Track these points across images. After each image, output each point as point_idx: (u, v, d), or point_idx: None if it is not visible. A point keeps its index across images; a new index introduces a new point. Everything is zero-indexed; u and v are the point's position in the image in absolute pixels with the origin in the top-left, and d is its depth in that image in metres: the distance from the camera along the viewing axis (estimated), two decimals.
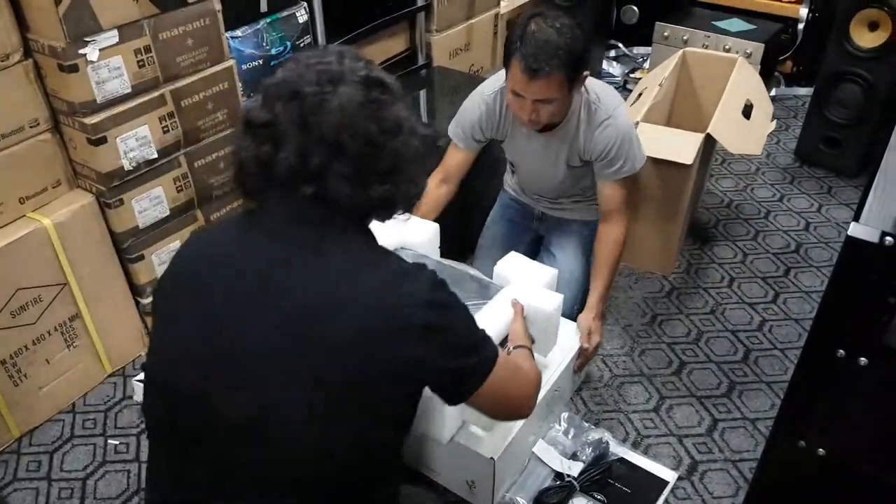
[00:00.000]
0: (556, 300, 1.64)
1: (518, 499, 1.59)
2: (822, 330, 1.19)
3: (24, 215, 1.66)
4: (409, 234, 1.84)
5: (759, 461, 1.41)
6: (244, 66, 1.96)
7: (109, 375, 1.95)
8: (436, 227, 1.88)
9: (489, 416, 1.21)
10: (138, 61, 1.65)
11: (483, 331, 1.08)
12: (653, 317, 2.15)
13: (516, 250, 2.10)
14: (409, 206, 1.07)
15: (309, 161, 0.93)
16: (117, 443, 1.79)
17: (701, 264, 2.36)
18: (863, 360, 1.13)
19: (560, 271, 1.97)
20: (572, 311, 1.99)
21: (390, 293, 0.97)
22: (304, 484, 0.98)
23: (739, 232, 2.53)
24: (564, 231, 2.06)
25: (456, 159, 1.93)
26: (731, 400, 1.87)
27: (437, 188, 1.92)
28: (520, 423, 1.56)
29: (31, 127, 1.61)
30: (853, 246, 1.06)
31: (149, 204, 1.79)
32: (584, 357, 1.81)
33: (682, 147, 2.08)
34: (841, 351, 1.14)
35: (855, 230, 1.06)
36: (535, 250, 2.19)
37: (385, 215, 1.06)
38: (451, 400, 1.09)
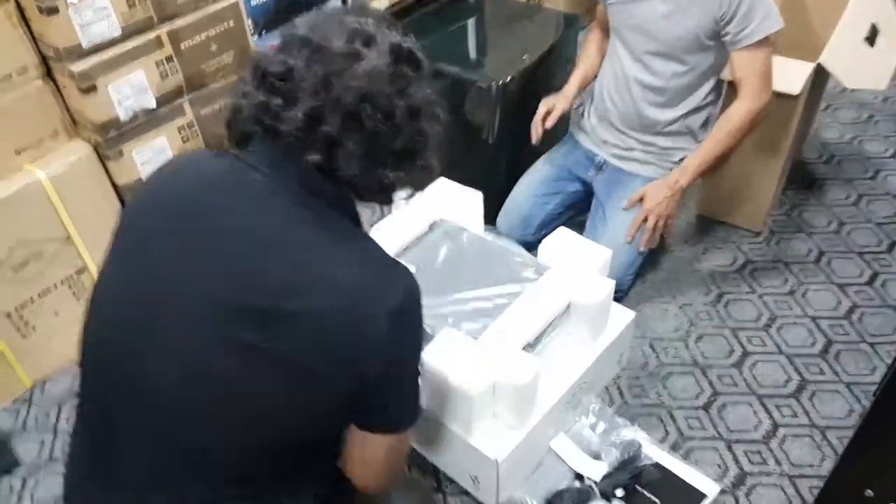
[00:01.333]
0: (606, 287, 1.46)
1: (527, 498, 1.44)
2: None
3: (21, 168, 1.61)
4: (449, 204, 1.69)
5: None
6: (253, 2, 1.80)
7: None
8: (479, 196, 1.72)
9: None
10: (128, 0, 1.53)
11: (420, 362, 0.99)
12: (718, 296, 1.88)
13: (555, 197, 1.94)
14: (413, 192, 0.96)
15: (320, 127, 0.83)
16: None
17: (784, 233, 2.05)
18: None
19: (609, 238, 1.77)
20: (621, 286, 1.79)
21: (362, 287, 0.87)
22: (238, 465, 0.90)
23: (837, 195, 2.18)
24: (625, 188, 1.83)
25: (601, 12, 1.92)
26: (799, 402, 1.61)
27: (599, 36, 1.95)
28: (534, 422, 1.40)
29: (19, 74, 1.53)
30: None
31: (152, 155, 1.70)
32: (647, 232, 1.73)
33: (787, 76, 1.78)
34: None
35: None
36: (578, 204, 1.99)
37: (384, 200, 0.94)
38: (354, 420, 0.96)
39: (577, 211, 2.03)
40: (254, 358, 0.84)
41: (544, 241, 1.59)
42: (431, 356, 1.32)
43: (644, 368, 1.71)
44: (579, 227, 2.03)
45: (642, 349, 1.75)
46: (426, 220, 1.67)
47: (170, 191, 0.92)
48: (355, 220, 0.96)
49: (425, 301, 1.43)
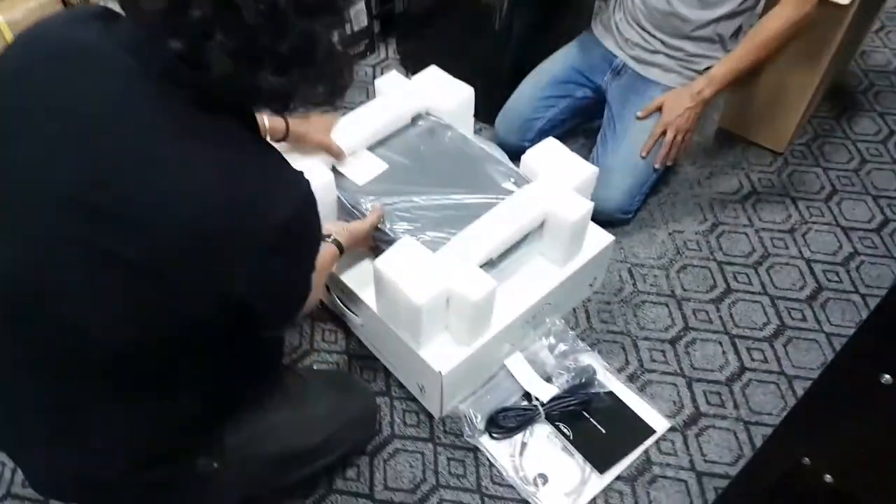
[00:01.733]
0: (582, 208, 1.38)
1: (471, 412, 1.42)
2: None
3: None
4: (437, 97, 1.58)
5: (744, 467, 1.14)
6: None
7: None
8: (470, 91, 1.60)
9: None
10: None
11: (311, 271, 0.93)
12: (713, 225, 1.78)
13: (561, 101, 1.82)
14: (319, 106, 0.84)
15: (188, 11, 0.70)
16: None
17: (800, 165, 1.92)
18: None
19: (622, 153, 1.66)
20: (630, 206, 1.70)
21: (236, 198, 0.79)
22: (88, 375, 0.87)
23: (866, 130, 2.01)
24: (642, 97, 1.71)
25: None
26: (772, 347, 1.55)
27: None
28: (486, 339, 1.35)
29: None
30: None
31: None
32: (665, 147, 1.65)
33: None
34: None
35: None
36: (586, 111, 1.86)
37: (277, 108, 0.84)
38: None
39: (583, 118, 1.91)
40: (105, 263, 0.78)
41: (529, 150, 1.49)
42: (386, 263, 1.27)
43: (618, 294, 1.64)
44: (586, 136, 1.92)
45: (620, 274, 1.68)
46: (410, 112, 1.57)
47: (24, 60, 0.82)
48: (248, 125, 0.86)
49: (393, 199, 1.35)
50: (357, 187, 1.44)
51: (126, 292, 0.80)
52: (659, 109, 1.67)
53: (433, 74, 1.65)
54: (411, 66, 2.24)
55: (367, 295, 1.40)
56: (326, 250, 1.25)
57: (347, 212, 1.43)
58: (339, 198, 1.44)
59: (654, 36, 1.69)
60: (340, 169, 1.46)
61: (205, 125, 0.80)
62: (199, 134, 0.80)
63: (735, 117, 1.97)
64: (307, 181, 0.88)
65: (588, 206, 1.39)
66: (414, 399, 1.48)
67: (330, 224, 1.32)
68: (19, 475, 1.37)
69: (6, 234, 0.82)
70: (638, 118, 1.68)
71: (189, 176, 0.78)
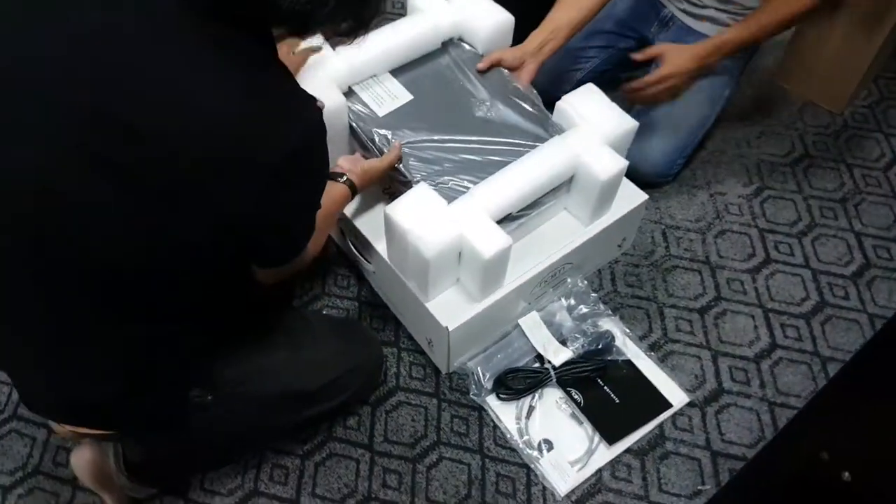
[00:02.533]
0: (616, 166, 1.29)
1: (479, 370, 1.37)
2: None
3: None
4: (473, 23, 1.46)
5: (759, 453, 1.07)
6: None
7: None
8: (510, 19, 1.48)
9: None
10: None
11: (315, 207, 0.93)
12: (759, 189, 1.67)
13: (603, 52, 1.71)
14: (342, 31, 0.82)
15: None
16: None
17: (860, 129, 1.77)
18: None
19: (662, 109, 1.57)
20: (669, 170, 1.61)
21: (246, 121, 0.77)
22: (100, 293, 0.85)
23: None
24: None
25: None
26: (809, 325, 1.45)
27: None
28: (497, 297, 1.29)
29: None
30: None
31: None
32: (646, 97, 1.47)
33: None
34: None
35: None
36: (630, 63, 1.73)
37: (297, 29, 0.81)
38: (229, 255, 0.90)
39: (626, 70, 1.79)
40: (111, 173, 0.75)
41: (566, 96, 1.38)
42: (397, 210, 1.21)
43: (648, 257, 1.56)
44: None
45: (653, 235, 1.59)
46: (439, 37, 1.46)
47: None
48: (267, 46, 0.83)
49: (414, 137, 1.25)
50: (376, 118, 1.35)
51: (128, 205, 0.78)
52: (654, 60, 1.51)
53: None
54: None
55: (380, 242, 1.35)
56: (337, 190, 1.20)
57: (361, 144, 1.36)
58: (353, 127, 1.36)
59: None
60: (360, 94, 1.39)
61: (223, 40, 0.77)
62: (218, 48, 0.77)
63: (792, 72, 1.83)
64: (320, 110, 0.85)
65: (622, 165, 1.30)
66: (422, 352, 1.44)
67: (343, 160, 1.26)
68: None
69: (16, 135, 0.78)
70: (635, 59, 1.51)
71: (204, 90, 0.76)
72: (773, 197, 1.65)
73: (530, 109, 1.38)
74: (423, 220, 1.20)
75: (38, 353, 0.93)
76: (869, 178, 1.67)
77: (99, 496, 1.23)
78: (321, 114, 0.86)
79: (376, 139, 1.32)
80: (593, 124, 1.33)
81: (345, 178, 1.22)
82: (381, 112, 1.36)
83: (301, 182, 0.86)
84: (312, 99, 0.85)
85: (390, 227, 1.23)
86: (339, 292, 1.53)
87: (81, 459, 1.17)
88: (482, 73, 1.43)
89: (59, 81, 0.75)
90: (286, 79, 0.85)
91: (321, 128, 0.85)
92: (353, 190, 1.23)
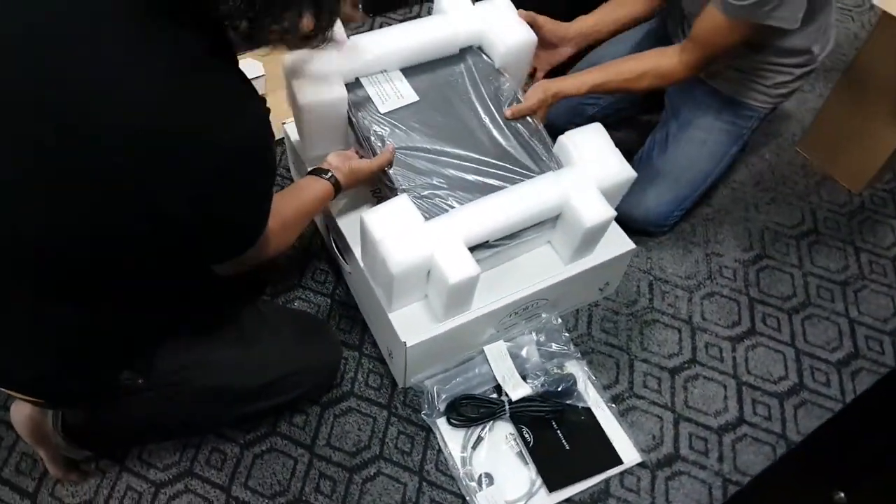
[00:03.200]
0: (602, 215, 1.26)
1: (435, 391, 1.35)
2: None
3: None
4: (494, 31, 1.41)
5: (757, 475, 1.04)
6: None
7: None
8: (532, 38, 1.43)
9: None
10: None
11: (259, 210, 0.92)
12: (757, 256, 1.62)
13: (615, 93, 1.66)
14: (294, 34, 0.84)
15: None
16: None
17: (875, 214, 1.72)
18: None
19: (667, 159, 1.56)
20: (665, 221, 1.59)
21: (195, 110, 0.76)
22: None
23: None
24: (699, 105, 1.56)
25: None
26: (782, 406, 1.41)
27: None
28: (462, 320, 1.27)
29: None
30: None
31: None
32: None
33: None
34: None
35: None
36: (644, 105, 1.72)
37: (244, 32, 0.81)
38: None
39: (641, 111, 1.76)
40: (42, 161, 0.75)
41: (570, 132, 1.35)
42: (373, 218, 1.19)
43: (630, 306, 1.52)
44: (644, 130, 1.77)
45: (639, 284, 1.56)
46: (458, 43, 1.43)
47: None
48: (219, 45, 0.82)
49: (408, 142, 1.24)
50: (377, 114, 1.33)
51: (58, 193, 0.77)
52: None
53: (502, 5, 1.47)
54: None
55: (357, 244, 1.33)
56: (319, 186, 1.19)
57: (357, 138, 1.34)
58: (352, 119, 1.33)
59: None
60: (367, 87, 1.37)
61: (168, 35, 0.76)
62: (160, 42, 0.76)
63: (816, 143, 1.78)
64: (266, 115, 0.84)
65: (609, 215, 1.26)
66: (383, 361, 1.42)
67: (333, 157, 1.25)
68: None
69: None
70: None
71: (139, 82, 0.74)
72: (771, 267, 1.60)
73: (534, 138, 1.35)
74: (396, 233, 1.18)
75: None
76: (875, 265, 1.62)
77: (35, 449, 1.23)
78: (266, 119, 0.85)
79: (372, 136, 1.30)
80: (590, 167, 1.30)
81: (329, 174, 1.21)
82: (384, 109, 1.34)
83: (241, 184, 0.84)
84: (261, 103, 0.84)
85: (364, 233, 1.22)
86: (315, 286, 1.52)
87: (20, 414, 1.17)
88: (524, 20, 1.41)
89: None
90: (235, 79, 0.83)
91: (265, 132, 0.84)
92: (338, 188, 1.21)
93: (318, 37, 0.87)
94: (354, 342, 1.44)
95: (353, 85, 1.35)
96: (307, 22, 0.83)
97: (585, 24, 1.48)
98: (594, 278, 1.42)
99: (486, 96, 1.40)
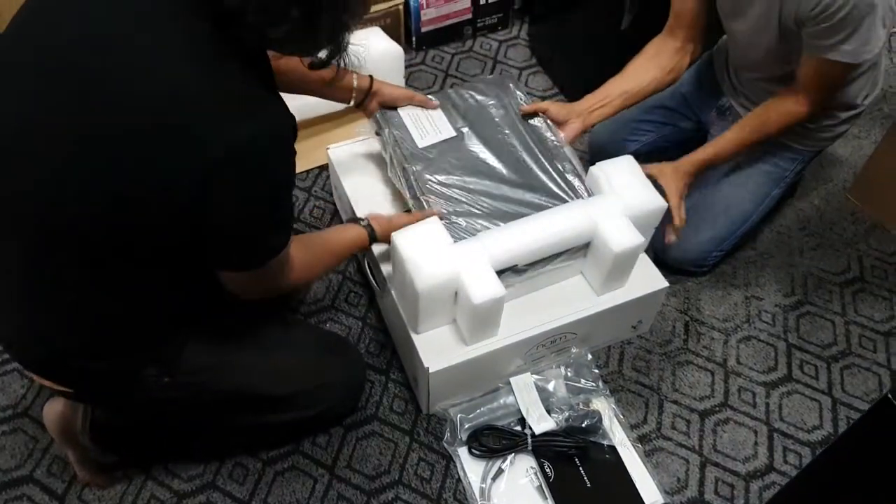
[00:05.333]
0: (632, 240, 1.28)
1: (458, 419, 1.37)
2: None
3: None
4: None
5: None
6: None
7: None
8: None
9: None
10: None
11: (271, 223, 0.96)
12: (798, 302, 1.61)
13: (662, 129, 1.71)
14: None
15: None
16: None
17: None
18: None
19: (706, 199, 1.58)
20: (704, 260, 1.61)
21: (216, 102, 0.83)
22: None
23: None
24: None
25: (687, 3, 1.45)
26: (815, 454, 1.38)
27: (662, 40, 1.50)
28: (488, 348, 1.30)
29: None
30: None
31: None
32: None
33: None
34: None
35: None
36: (688, 145, 1.72)
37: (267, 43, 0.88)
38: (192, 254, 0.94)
39: (684, 151, 1.77)
40: (78, 136, 0.83)
41: (599, 163, 1.37)
42: (404, 238, 1.24)
43: (663, 346, 1.52)
44: None
45: (674, 324, 1.56)
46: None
47: None
48: (259, 67, 0.90)
49: (443, 175, 1.32)
50: (414, 148, 1.39)
51: (90, 166, 0.84)
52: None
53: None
54: (538, 51, 2.17)
55: (388, 266, 1.38)
56: (354, 231, 1.25)
57: (399, 171, 1.39)
58: (392, 152, 1.40)
59: (761, 88, 1.53)
60: (406, 121, 1.43)
61: (199, 32, 0.83)
62: (190, 39, 0.84)
63: (867, 190, 1.76)
64: (291, 128, 0.90)
65: (639, 241, 1.28)
66: (409, 387, 1.45)
67: (375, 215, 1.30)
68: None
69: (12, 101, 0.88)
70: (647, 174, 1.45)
71: (169, 67, 0.82)
72: (812, 314, 1.58)
73: (565, 166, 1.39)
74: (424, 252, 1.22)
75: (15, 298, 1.01)
76: (866, 342, 1.55)
77: (64, 450, 1.29)
78: (290, 131, 0.90)
79: (411, 175, 1.35)
80: (619, 195, 1.32)
81: (366, 222, 1.26)
82: (422, 143, 1.39)
83: (251, 186, 0.88)
84: (287, 118, 0.90)
85: (394, 253, 1.26)
86: (347, 309, 1.57)
87: (52, 412, 1.24)
88: (525, 116, 1.45)
89: (51, 56, 0.84)
90: (262, 91, 0.89)
91: (284, 141, 0.89)
92: (373, 237, 1.26)
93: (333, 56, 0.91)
94: (382, 366, 1.48)
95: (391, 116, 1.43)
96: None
97: (588, 102, 1.48)
98: (625, 315, 1.43)
99: (521, 127, 1.45)
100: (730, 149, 1.45)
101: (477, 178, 1.36)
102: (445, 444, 1.36)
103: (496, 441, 1.35)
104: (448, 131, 1.42)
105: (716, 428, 1.41)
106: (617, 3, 1.73)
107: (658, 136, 1.70)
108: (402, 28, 2.06)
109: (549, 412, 1.37)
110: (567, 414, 1.36)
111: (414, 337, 1.30)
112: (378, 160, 1.54)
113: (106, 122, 0.82)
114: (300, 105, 1.15)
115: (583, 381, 1.42)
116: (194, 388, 1.11)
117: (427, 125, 1.43)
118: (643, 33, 1.70)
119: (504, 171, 1.38)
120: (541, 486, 1.31)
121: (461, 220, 1.29)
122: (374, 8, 1.89)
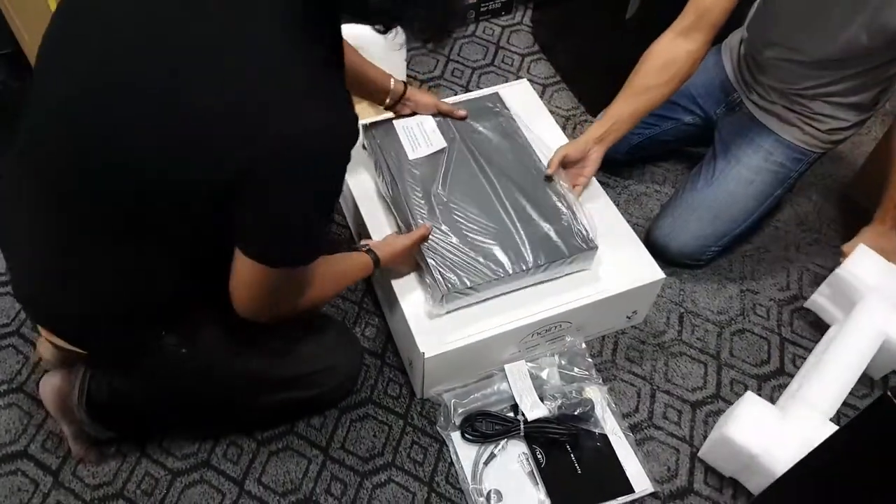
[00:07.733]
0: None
1: (452, 404, 1.41)
2: None
3: None
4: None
5: None
6: None
7: None
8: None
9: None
10: None
11: (311, 221, 0.99)
12: (794, 297, 1.65)
13: (665, 123, 1.73)
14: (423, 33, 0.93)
15: None
16: None
17: None
18: None
19: (708, 194, 1.61)
20: (700, 255, 1.64)
21: (281, 89, 0.87)
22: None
23: None
24: (750, 144, 1.60)
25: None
26: None
27: (675, 43, 1.43)
28: (483, 335, 1.33)
29: None
30: None
31: None
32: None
33: None
34: None
35: None
36: (691, 138, 1.77)
37: (380, 20, 0.90)
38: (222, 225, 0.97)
39: (687, 143, 1.81)
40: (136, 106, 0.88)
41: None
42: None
43: (657, 337, 1.56)
44: (690, 160, 1.82)
45: (669, 316, 1.59)
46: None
47: None
48: (332, 53, 0.95)
49: (426, 190, 1.38)
50: (405, 159, 1.45)
51: (142, 127, 0.89)
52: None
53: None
54: (541, 37, 2.20)
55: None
56: (361, 258, 1.27)
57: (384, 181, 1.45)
58: (378, 159, 1.47)
59: (773, 87, 1.57)
60: (398, 130, 1.47)
61: (292, 23, 0.88)
62: (284, 29, 0.88)
63: (867, 187, 1.79)
64: (353, 130, 0.94)
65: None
66: (403, 371, 1.48)
67: (374, 242, 1.34)
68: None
69: (79, 64, 0.93)
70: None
71: (238, 52, 0.87)
72: (807, 308, 1.62)
73: (564, 218, 1.41)
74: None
75: (49, 263, 1.05)
76: None
77: (59, 425, 1.33)
78: (353, 133, 0.94)
79: (403, 194, 1.41)
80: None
81: (368, 248, 1.29)
82: (413, 154, 1.47)
83: (299, 179, 0.91)
84: (352, 118, 0.94)
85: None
86: (344, 293, 1.60)
87: (48, 386, 1.28)
88: (548, 179, 1.46)
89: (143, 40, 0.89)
90: (333, 84, 0.94)
91: (344, 140, 0.92)
92: (377, 262, 1.28)
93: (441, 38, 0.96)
94: (377, 350, 1.51)
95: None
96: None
97: (600, 130, 1.46)
98: (621, 305, 1.46)
99: (535, 157, 1.50)
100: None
101: (462, 202, 1.41)
102: (439, 429, 1.40)
103: (489, 426, 1.39)
104: (439, 141, 1.50)
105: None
106: None
107: (661, 131, 1.73)
108: None
109: (542, 399, 1.41)
110: (560, 401, 1.40)
111: (410, 322, 1.33)
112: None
113: (192, 93, 0.86)
114: None
115: (576, 369, 1.46)
116: (208, 363, 1.17)
117: (418, 133, 1.50)
118: (649, 22, 1.73)
119: (496, 201, 1.42)
120: (532, 471, 1.35)
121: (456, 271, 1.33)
122: None
